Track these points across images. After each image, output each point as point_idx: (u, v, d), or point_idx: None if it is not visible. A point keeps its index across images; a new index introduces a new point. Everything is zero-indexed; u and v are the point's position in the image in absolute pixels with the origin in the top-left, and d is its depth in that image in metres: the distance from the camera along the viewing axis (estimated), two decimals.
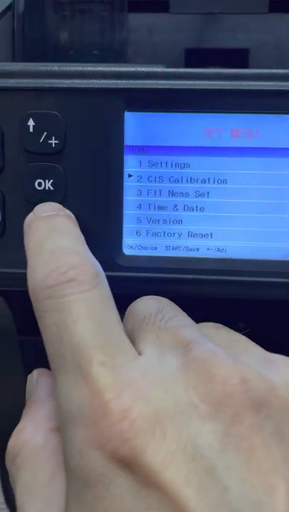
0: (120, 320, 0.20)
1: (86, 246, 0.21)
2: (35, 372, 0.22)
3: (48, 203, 0.24)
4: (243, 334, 0.23)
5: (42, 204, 0.24)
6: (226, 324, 0.37)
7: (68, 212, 0.24)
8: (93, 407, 0.17)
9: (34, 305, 0.20)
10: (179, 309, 0.22)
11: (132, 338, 0.20)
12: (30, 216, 0.23)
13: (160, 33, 0.39)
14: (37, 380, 0.21)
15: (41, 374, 0.22)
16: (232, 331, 0.22)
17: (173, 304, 0.22)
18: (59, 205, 0.24)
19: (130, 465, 0.16)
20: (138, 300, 0.22)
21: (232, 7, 0.38)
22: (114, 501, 0.16)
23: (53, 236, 0.21)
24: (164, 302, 0.22)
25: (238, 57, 0.39)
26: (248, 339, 0.21)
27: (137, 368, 0.18)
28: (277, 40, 0.39)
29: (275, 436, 0.17)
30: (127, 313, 0.22)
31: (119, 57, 0.39)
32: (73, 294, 0.19)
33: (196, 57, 0.39)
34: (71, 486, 0.17)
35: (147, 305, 0.22)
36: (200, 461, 0.16)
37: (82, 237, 0.22)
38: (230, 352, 0.19)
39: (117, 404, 0.17)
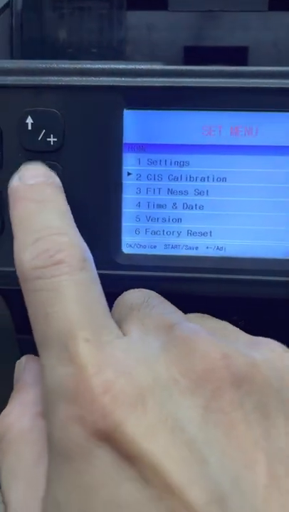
0: (106, 304, 0.20)
1: (74, 223, 0.21)
2: (24, 359, 0.22)
3: (34, 164, 0.23)
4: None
5: (29, 166, 0.23)
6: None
7: (56, 179, 0.23)
8: (75, 381, 0.17)
9: (22, 284, 0.20)
10: (165, 300, 0.22)
11: (119, 325, 0.20)
12: (15, 181, 0.22)
13: (159, 31, 0.39)
14: (25, 365, 0.21)
15: (29, 360, 0.22)
16: (220, 320, 0.22)
17: (159, 295, 0.22)
18: (46, 168, 0.23)
19: (111, 438, 0.16)
20: (125, 292, 0.23)
21: (231, 5, 0.38)
22: (95, 474, 0.16)
23: (42, 212, 0.21)
24: (151, 294, 0.22)
25: (237, 55, 0.39)
26: (237, 328, 0.21)
27: (121, 345, 0.18)
28: (276, 38, 0.39)
29: (256, 412, 0.17)
30: (114, 304, 0.22)
31: (118, 55, 0.39)
32: (61, 275, 0.19)
33: (195, 55, 0.39)
34: (53, 461, 0.17)
35: (134, 295, 0.22)
36: (180, 434, 0.16)
37: (70, 211, 0.22)
38: (214, 334, 0.19)
39: (99, 379, 0.17)
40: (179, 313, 0.21)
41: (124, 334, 0.20)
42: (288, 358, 0.18)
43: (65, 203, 0.22)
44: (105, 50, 0.39)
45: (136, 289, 0.23)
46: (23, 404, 0.20)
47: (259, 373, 0.17)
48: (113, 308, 0.23)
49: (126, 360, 0.17)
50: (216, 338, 0.18)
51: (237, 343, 0.19)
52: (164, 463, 0.15)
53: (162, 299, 0.22)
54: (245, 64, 0.39)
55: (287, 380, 0.17)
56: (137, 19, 0.39)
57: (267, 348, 0.19)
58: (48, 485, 0.17)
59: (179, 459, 0.15)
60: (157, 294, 0.23)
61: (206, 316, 0.22)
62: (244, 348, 0.18)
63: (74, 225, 0.22)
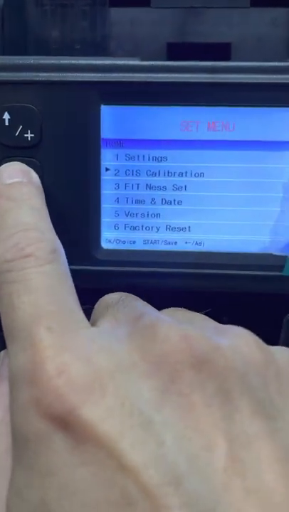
0: (76, 297, 0.21)
1: (48, 219, 0.22)
2: (2, 353, 0.22)
3: (13, 164, 0.24)
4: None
5: (7, 165, 0.24)
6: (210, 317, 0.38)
7: (34, 178, 0.24)
8: (33, 364, 0.17)
9: None
10: (143, 301, 0.22)
11: (94, 324, 0.20)
12: None
13: (142, 27, 0.39)
14: (2, 359, 0.21)
15: (6, 354, 0.22)
16: (192, 312, 0.22)
17: (137, 297, 0.22)
18: (25, 167, 0.24)
19: (66, 420, 0.16)
20: (104, 296, 0.23)
21: (214, 1, 0.38)
22: (52, 457, 0.16)
23: (16, 210, 0.22)
24: (129, 294, 0.22)
25: (220, 51, 0.39)
26: (208, 317, 0.21)
27: (86, 335, 0.18)
28: (259, 34, 0.39)
29: (218, 396, 0.17)
30: (94, 307, 0.23)
31: (102, 52, 0.39)
32: (30, 267, 0.20)
33: (178, 51, 0.39)
34: (15, 447, 0.17)
35: (111, 296, 0.22)
36: (137, 416, 0.16)
37: (45, 208, 0.22)
38: (181, 321, 0.19)
39: (54, 362, 0.17)
40: (152, 308, 0.21)
41: (92, 321, 0.20)
42: (254, 344, 0.18)
43: (41, 200, 0.23)
44: (89, 46, 0.39)
45: (114, 293, 0.23)
46: None
47: (222, 357, 0.17)
48: (93, 311, 0.23)
49: (87, 346, 0.18)
50: (180, 324, 0.18)
51: (203, 329, 0.19)
52: (119, 445, 0.15)
53: (138, 298, 0.22)
54: (228, 60, 0.39)
55: (253, 364, 0.17)
56: (120, 15, 0.39)
57: (233, 333, 0.18)
58: (11, 473, 0.17)
59: (134, 440, 0.15)
60: (135, 296, 0.23)
61: (179, 308, 0.22)
62: (210, 333, 0.18)
63: (48, 220, 0.22)
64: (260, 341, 0.19)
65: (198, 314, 0.22)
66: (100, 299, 0.23)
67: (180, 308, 0.22)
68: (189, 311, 0.22)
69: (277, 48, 0.39)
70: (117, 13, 0.39)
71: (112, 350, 0.17)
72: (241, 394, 0.17)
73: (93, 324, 0.20)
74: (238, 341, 0.18)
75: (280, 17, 0.38)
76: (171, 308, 0.22)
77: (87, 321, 0.20)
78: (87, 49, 0.39)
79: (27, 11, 0.38)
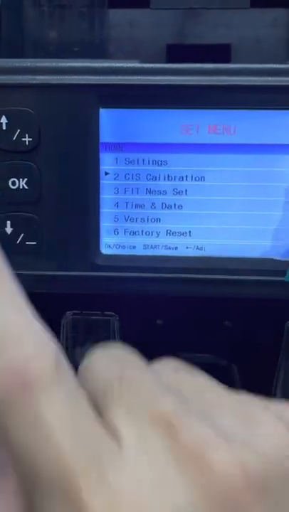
0: (92, 409, 0.17)
1: (36, 320, 0.16)
2: None
3: None
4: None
5: None
6: (212, 323, 0.37)
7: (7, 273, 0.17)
8: None
9: None
10: (140, 361, 0.19)
11: (98, 409, 0.17)
12: None
13: (141, 29, 0.39)
14: None
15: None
16: (191, 370, 0.19)
17: (131, 356, 0.18)
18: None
19: None
20: (92, 359, 0.18)
21: (213, 2, 0.37)
22: None
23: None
24: (122, 359, 0.18)
25: (220, 53, 0.39)
26: (208, 379, 0.19)
27: (125, 468, 0.16)
28: (259, 35, 0.39)
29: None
30: (82, 373, 0.19)
31: (101, 54, 0.38)
32: (36, 398, 0.16)
33: (177, 52, 0.39)
34: None
35: (104, 369, 0.18)
36: None
37: (29, 308, 0.17)
38: (213, 421, 0.17)
39: None
40: (161, 385, 0.18)
41: (115, 434, 0.17)
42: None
43: (24, 299, 0.17)
44: (88, 48, 0.38)
45: (102, 354, 0.19)
46: None
47: (273, 472, 0.16)
48: (82, 378, 0.19)
49: (138, 494, 0.16)
50: (223, 436, 0.17)
51: (231, 421, 0.17)
52: None
53: (136, 362, 0.18)
54: (228, 61, 0.39)
55: None
56: (119, 17, 0.39)
57: (267, 429, 0.18)
58: None
59: None
60: (127, 355, 0.19)
61: (178, 367, 0.19)
62: (244, 431, 0.17)
63: (35, 318, 0.17)
64: None
65: (204, 379, 0.19)
66: (89, 367, 0.18)
67: (179, 366, 0.19)
68: (191, 372, 0.19)
69: (277, 49, 0.39)
70: (115, 15, 0.39)
71: (163, 489, 0.15)
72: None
73: (96, 406, 0.17)
74: (275, 436, 0.17)
75: (280, 18, 0.38)
76: (171, 367, 0.19)
77: (108, 435, 0.16)
78: (85, 51, 0.38)
79: (24, 13, 0.37)
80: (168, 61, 0.39)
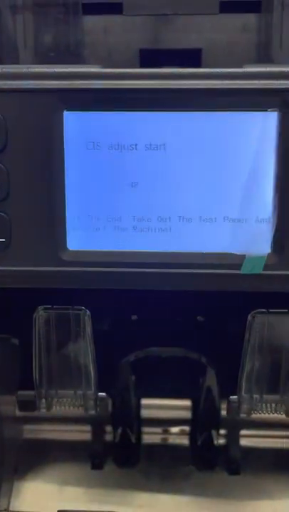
0: None
1: None
2: None
3: None
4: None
5: None
6: (185, 318, 0.38)
7: None
8: None
9: None
10: None
11: None
12: None
13: (115, 35, 0.40)
14: None
15: None
16: None
17: None
18: None
19: None
20: None
21: (184, 8, 0.38)
22: None
23: None
24: None
25: (191, 57, 0.40)
26: None
27: None
28: (229, 40, 0.40)
29: None
30: None
31: (76, 59, 0.40)
32: None
33: (150, 57, 0.40)
34: None
35: None
36: None
37: None
38: None
39: None
40: None
41: None
42: None
43: None
44: (63, 54, 0.40)
45: None
46: None
47: None
48: None
49: None
50: None
51: None
52: None
53: None
54: (199, 65, 0.40)
55: None
56: (93, 23, 0.40)
57: None
58: None
59: None
60: None
61: None
62: None
63: None
64: None
65: None
66: None
67: None
68: None
69: (248, 54, 0.40)
70: (90, 21, 0.40)
71: None
72: None
73: None
74: None
75: (249, 23, 0.39)
76: None
77: None
78: (61, 56, 0.39)
79: (1, 19, 0.39)
80: (141, 65, 0.40)
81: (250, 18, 0.39)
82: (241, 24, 0.39)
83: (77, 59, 0.39)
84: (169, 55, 0.40)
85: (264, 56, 0.39)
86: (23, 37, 0.39)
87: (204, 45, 0.40)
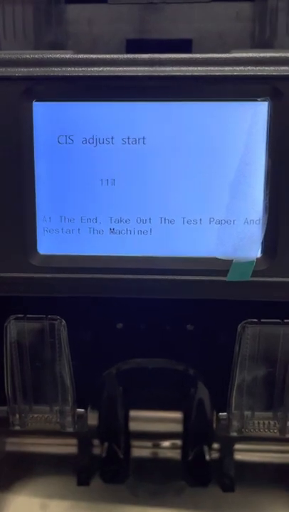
0: None
1: None
2: None
3: None
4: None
5: None
6: (173, 326, 0.36)
7: None
8: None
9: None
10: None
11: None
12: None
13: (100, 25, 0.38)
14: None
15: None
16: None
17: None
18: None
19: None
20: None
21: None
22: None
23: None
24: None
25: (181, 48, 0.38)
26: None
27: None
28: (221, 29, 0.38)
29: None
30: None
31: (60, 50, 0.38)
32: None
33: (137, 47, 0.38)
34: None
35: None
36: None
37: None
38: None
39: None
40: None
41: None
42: None
43: None
44: (45, 44, 0.38)
45: None
46: None
47: None
48: None
49: None
50: None
51: None
52: None
53: None
54: None
55: None
56: (77, 13, 0.38)
57: None
58: None
59: None
60: None
61: None
62: None
63: None
64: None
65: None
66: None
67: None
68: None
69: (241, 44, 0.38)
70: (74, 11, 0.38)
71: None
72: None
73: None
74: None
75: (242, 11, 0.37)
76: None
77: None
78: (44, 47, 0.37)
79: None
80: None
81: (244, 6, 0.37)
82: (234, 13, 0.37)
83: (62, 50, 0.37)
84: (158, 46, 0.38)
85: (258, 46, 0.36)
86: (3, 27, 0.37)
87: (194, 35, 0.38)
